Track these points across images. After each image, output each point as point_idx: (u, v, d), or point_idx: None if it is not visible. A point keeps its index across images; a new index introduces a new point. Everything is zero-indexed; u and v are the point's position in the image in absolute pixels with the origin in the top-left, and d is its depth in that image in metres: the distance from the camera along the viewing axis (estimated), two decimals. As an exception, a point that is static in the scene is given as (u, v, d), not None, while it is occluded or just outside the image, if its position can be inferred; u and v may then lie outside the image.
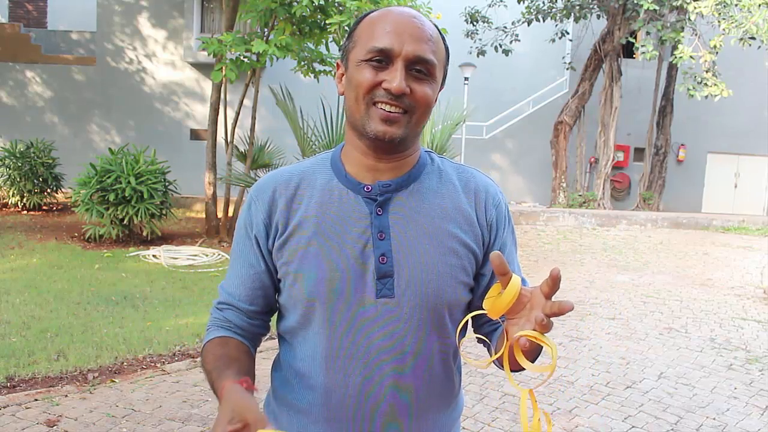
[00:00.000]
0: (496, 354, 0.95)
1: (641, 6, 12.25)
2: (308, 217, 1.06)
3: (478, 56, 14.52)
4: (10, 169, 10.94)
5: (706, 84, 12.75)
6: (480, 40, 14.55)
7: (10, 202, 11.19)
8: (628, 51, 15.54)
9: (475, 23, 14.57)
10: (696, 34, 13.21)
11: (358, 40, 1.04)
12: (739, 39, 11.78)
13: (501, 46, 14.54)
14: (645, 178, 15.82)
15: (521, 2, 14.19)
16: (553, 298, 0.89)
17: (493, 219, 1.10)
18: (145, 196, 8.37)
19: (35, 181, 11.15)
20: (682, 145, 16.26)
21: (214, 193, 9.63)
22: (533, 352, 0.93)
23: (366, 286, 1.04)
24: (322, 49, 9.04)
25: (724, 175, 16.71)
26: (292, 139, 6.99)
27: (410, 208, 1.07)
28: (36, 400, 3.48)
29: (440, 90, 1.09)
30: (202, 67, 14.00)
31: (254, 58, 8.04)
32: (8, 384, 3.70)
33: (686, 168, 16.50)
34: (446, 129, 7.37)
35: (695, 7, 11.77)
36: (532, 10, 14.17)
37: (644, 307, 6.46)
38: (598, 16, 14.51)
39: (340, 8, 7.83)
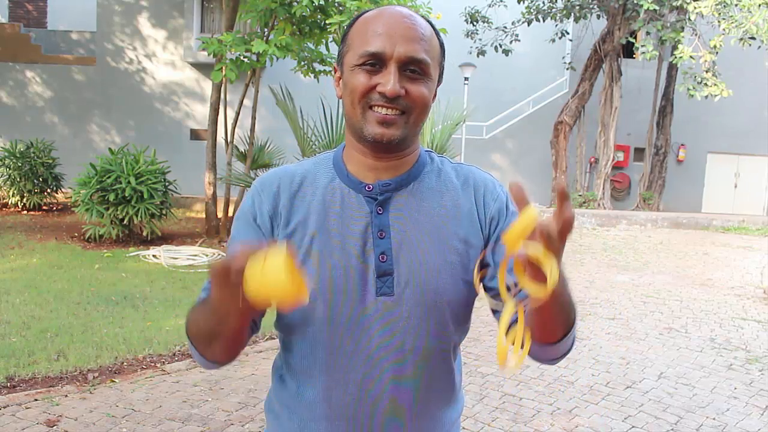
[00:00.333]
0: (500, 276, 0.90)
1: (641, 6, 12.25)
2: (311, 215, 1.07)
3: (478, 56, 14.53)
4: (10, 169, 10.94)
5: (706, 84, 12.76)
6: (480, 40, 14.55)
7: (10, 202, 11.20)
8: (628, 51, 15.54)
9: (475, 23, 14.57)
10: (696, 34, 13.21)
11: (351, 44, 1.05)
12: (739, 39, 11.78)
13: (501, 46, 14.55)
14: (645, 178, 15.82)
15: (521, 2, 14.19)
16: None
17: (494, 213, 1.10)
18: (145, 196, 8.37)
19: (35, 181, 11.15)
20: (682, 145, 16.26)
21: (214, 193, 9.63)
22: (532, 270, 0.84)
23: (366, 284, 1.04)
24: (322, 49, 9.04)
25: (724, 175, 16.71)
26: (292, 139, 6.99)
27: (410, 207, 1.07)
28: (36, 400, 3.48)
29: (438, 86, 1.09)
30: (202, 67, 14.00)
31: (254, 58, 8.04)
32: (8, 384, 3.70)
33: (686, 168, 16.50)
34: (446, 129, 7.37)
35: (695, 7, 11.77)
36: (532, 10, 14.18)
37: (644, 307, 6.46)
38: (598, 16, 14.51)
39: (340, 8, 7.83)
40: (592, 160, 15.77)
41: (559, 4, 14.13)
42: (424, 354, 1.07)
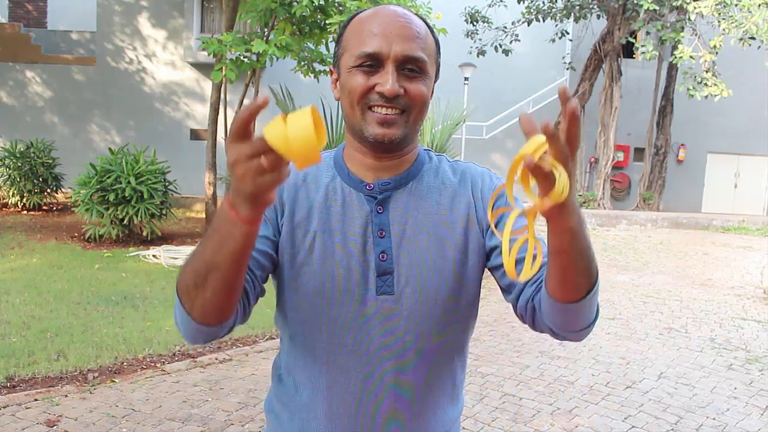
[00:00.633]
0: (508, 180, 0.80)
1: (641, 6, 12.25)
2: (313, 213, 1.07)
3: (478, 56, 14.53)
4: (10, 169, 10.94)
5: (706, 84, 12.76)
6: (480, 40, 14.55)
7: (10, 202, 11.19)
8: (628, 51, 15.54)
9: (475, 23, 14.57)
10: (696, 34, 13.21)
11: (347, 46, 1.04)
12: (739, 39, 11.79)
13: (501, 46, 14.55)
14: (645, 178, 15.83)
15: (521, 2, 14.20)
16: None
17: (492, 202, 1.10)
18: (145, 196, 8.37)
19: (35, 181, 11.15)
20: (682, 145, 16.27)
21: (214, 193, 9.64)
22: (542, 184, 0.78)
23: (367, 283, 1.05)
24: (322, 49, 9.04)
25: (724, 175, 16.72)
26: (292, 139, 6.97)
27: (410, 205, 1.08)
28: (36, 400, 3.48)
29: (435, 82, 1.09)
30: (202, 67, 14.00)
31: (254, 58, 8.04)
32: (8, 384, 3.70)
33: (686, 168, 16.50)
34: (446, 129, 7.38)
35: (695, 7, 11.77)
36: (532, 10, 14.18)
37: (644, 307, 6.46)
38: (598, 16, 14.51)
39: (340, 8, 7.83)
40: (592, 160, 15.77)
41: (559, 4, 14.13)
42: (424, 352, 1.07)
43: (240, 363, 4.29)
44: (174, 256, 7.88)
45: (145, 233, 8.85)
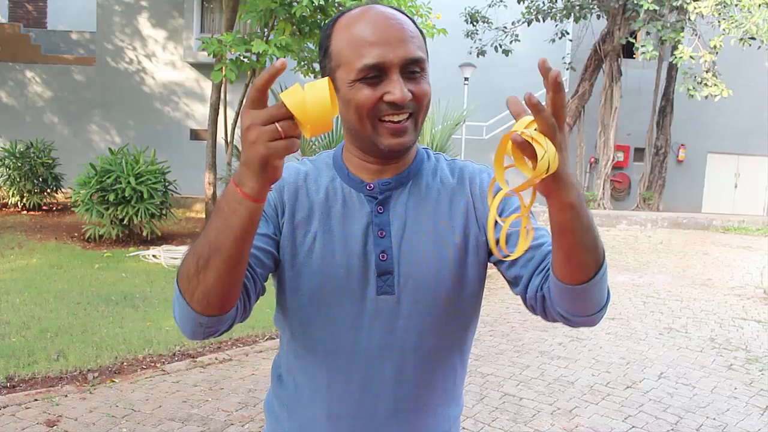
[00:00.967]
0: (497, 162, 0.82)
1: (641, 6, 12.25)
2: (314, 213, 1.07)
3: (478, 56, 14.53)
4: (10, 169, 10.94)
5: (706, 84, 12.77)
6: (480, 40, 14.55)
7: (10, 202, 11.19)
8: (628, 51, 15.54)
9: (475, 23, 14.57)
10: (696, 34, 13.21)
11: (342, 58, 1.00)
12: (739, 39, 11.79)
13: (501, 46, 14.55)
14: (645, 178, 15.83)
15: (521, 2, 14.20)
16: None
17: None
18: (145, 196, 8.37)
19: (35, 181, 11.14)
20: (682, 145, 16.27)
21: (214, 193, 9.63)
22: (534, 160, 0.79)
23: (367, 283, 1.04)
24: (322, 49, 9.02)
25: (724, 175, 16.72)
26: (292, 139, 6.97)
27: (409, 205, 1.08)
28: (36, 400, 3.48)
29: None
30: (202, 67, 13.99)
31: (254, 58, 8.04)
32: (8, 384, 3.70)
33: (686, 168, 16.51)
34: (446, 129, 7.38)
35: (695, 7, 11.78)
36: (532, 10, 14.18)
37: (644, 307, 6.46)
38: (598, 16, 14.52)
39: (340, 8, 7.83)
40: (592, 160, 15.77)
41: (559, 4, 14.13)
42: (425, 352, 1.07)
43: (240, 363, 4.29)
44: (174, 256, 7.87)
45: (145, 233, 8.85)
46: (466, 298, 1.09)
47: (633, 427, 3.52)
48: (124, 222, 8.53)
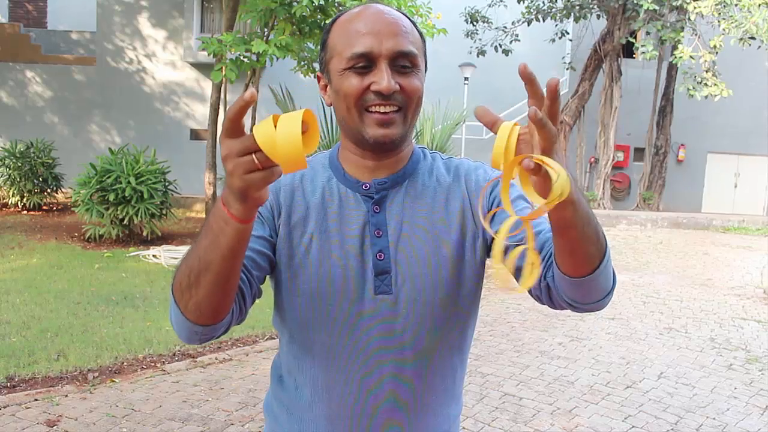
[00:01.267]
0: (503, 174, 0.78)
1: (641, 6, 12.26)
2: (310, 214, 1.07)
3: (478, 56, 14.53)
4: (10, 169, 10.95)
5: (706, 84, 12.77)
6: (480, 40, 14.56)
7: (10, 202, 11.20)
8: (628, 51, 15.54)
9: (475, 23, 14.57)
10: (696, 34, 13.22)
11: (335, 49, 1.03)
12: (739, 39, 11.79)
13: (501, 46, 14.55)
14: (645, 178, 15.83)
15: (521, 2, 14.20)
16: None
17: (486, 192, 1.10)
18: (145, 196, 8.37)
19: (35, 181, 11.15)
20: (682, 145, 16.27)
21: (214, 193, 9.64)
22: (542, 182, 0.78)
23: (365, 282, 1.04)
24: (322, 49, 9.03)
25: (724, 175, 16.72)
26: (292, 139, 6.97)
27: (406, 204, 1.08)
28: (36, 400, 3.48)
29: (425, 75, 1.09)
30: (202, 67, 14.00)
31: (254, 58, 8.04)
32: (8, 384, 3.70)
33: (686, 168, 16.51)
34: (446, 129, 7.38)
35: (695, 7, 11.78)
36: (532, 10, 14.19)
37: (644, 307, 6.46)
38: (598, 16, 14.52)
39: (340, 8, 7.83)
40: (592, 160, 15.77)
41: (559, 4, 14.13)
42: (423, 351, 1.07)
43: (240, 363, 4.29)
44: (174, 256, 7.88)
45: (145, 233, 8.85)
46: (464, 297, 1.09)
47: (633, 427, 3.52)
48: (124, 222, 8.53)
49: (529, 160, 0.73)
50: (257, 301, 1.05)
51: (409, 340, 1.05)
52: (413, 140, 1.16)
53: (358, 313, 1.05)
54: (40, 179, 11.18)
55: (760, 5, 11.21)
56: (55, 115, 14.55)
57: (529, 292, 1.03)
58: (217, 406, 3.55)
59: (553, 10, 14.07)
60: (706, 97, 12.90)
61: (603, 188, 15.26)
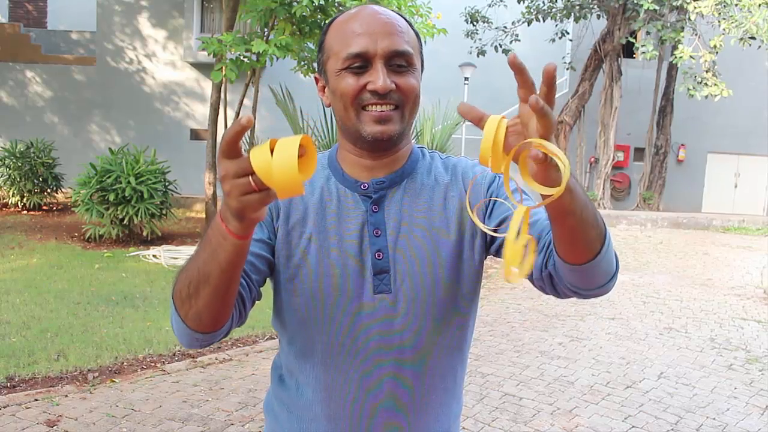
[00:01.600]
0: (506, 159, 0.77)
1: (641, 6, 12.25)
2: (308, 215, 1.07)
3: (478, 56, 14.52)
4: (10, 169, 10.95)
5: (706, 84, 12.77)
6: (480, 40, 14.55)
7: (10, 202, 11.20)
8: (628, 51, 15.54)
9: (475, 23, 14.57)
10: (696, 34, 13.21)
11: (331, 50, 1.04)
12: (739, 39, 11.79)
13: (501, 46, 14.54)
14: (645, 178, 15.82)
15: (521, 2, 14.19)
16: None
17: (484, 190, 1.10)
18: (145, 196, 8.37)
19: (35, 181, 11.15)
20: (682, 145, 16.26)
21: (214, 193, 9.63)
22: (543, 171, 0.78)
23: (364, 282, 1.05)
24: (322, 49, 9.02)
25: (724, 175, 16.71)
26: (292, 139, 6.97)
27: (404, 203, 1.08)
28: (36, 400, 3.48)
29: (421, 75, 1.09)
30: (202, 67, 14.00)
31: (254, 58, 8.04)
32: (8, 384, 3.70)
33: (686, 168, 16.50)
34: (446, 129, 7.38)
35: (695, 7, 11.78)
36: (532, 10, 14.18)
37: (644, 307, 6.46)
38: (598, 16, 14.51)
39: (340, 8, 7.83)
40: (592, 160, 15.77)
41: (559, 4, 14.12)
42: (422, 350, 1.07)
43: (240, 363, 4.29)
44: (174, 256, 7.88)
45: (145, 233, 8.85)
46: (463, 296, 1.09)
47: (633, 427, 3.52)
48: (124, 222, 8.53)
49: (537, 149, 0.73)
50: (254, 305, 1.06)
51: (409, 338, 1.06)
52: (412, 140, 1.16)
53: (357, 312, 1.05)
54: (40, 179, 11.18)
55: (760, 5, 11.21)
56: (55, 115, 14.55)
57: (533, 282, 1.03)
58: (217, 406, 3.55)
59: (553, 10, 14.06)
60: (706, 97, 12.90)
61: (603, 188, 15.26)
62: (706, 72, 12.85)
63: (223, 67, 7.90)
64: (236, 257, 0.84)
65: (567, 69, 15.27)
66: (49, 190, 11.38)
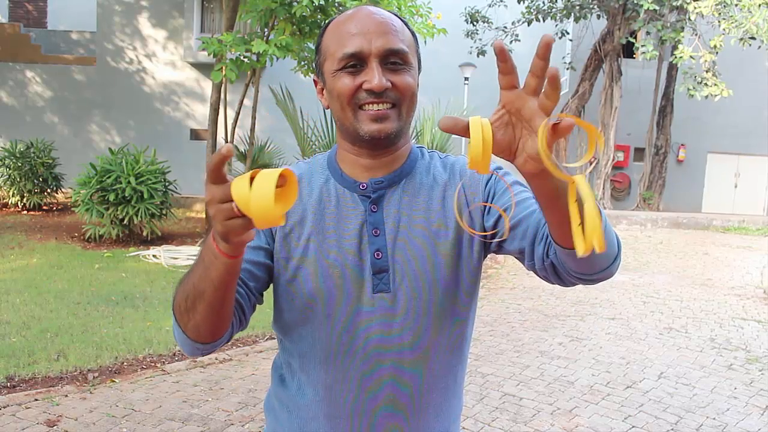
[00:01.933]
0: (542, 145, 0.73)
1: (641, 6, 12.26)
2: (307, 215, 1.08)
3: (478, 56, 14.53)
4: (10, 169, 10.95)
5: (706, 84, 12.77)
6: (480, 40, 14.55)
7: (10, 202, 11.20)
8: (628, 51, 15.54)
9: (475, 23, 14.57)
10: (696, 34, 13.22)
11: (327, 51, 1.05)
12: (739, 39, 11.79)
13: (501, 46, 14.54)
14: (645, 178, 15.83)
15: (521, 2, 14.20)
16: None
17: (482, 188, 1.10)
18: (145, 196, 8.37)
19: (35, 181, 11.16)
20: (682, 145, 16.27)
21: (214, 193, 9.62)
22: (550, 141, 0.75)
23: (363, 281, 1.05)
24: (322, 49, 9.02)
25: (724, 175, 16.71)
26: (292, 139, 6.99)
27: (403, 203, 1.08)
28: (36, 400, 3.48)
29: (418, 74, 1.09)
30: (202, 67, 14.00)
31: (254, 58, 8.04)
32: (8, 384, 3.70)
33: (686, 168, 16.50)
34: (446, 129, 7.36)
35: (695, 7, 11.78)
36: (532, 10, 14.18)
37: (644, 307, 6.46)
38: (598, 16, 14.51)
39: (340, 8, 7.83)
40: (593, 160, 15.76)
41: (559, 4, 14.13)
42: (423, 350, 1.07)
43: (240, 363, 4.29)
44: (174, 256, 7.88)
45: (145, 233, 8.85)
46: (463, 293, 1.09)
47: (633, 427, 3.52)
48: (124, 222, 8.53)
49: (570, 119, 0.72)
50: (254, 311, 1.07)
51: (408, 338, 1.06)
52: (412, 140, 1.16)
53: (356, 311, 1.05)
54: (40, 179, 11.19)
55: (760, 5, 11.21)
56: (55, 115, 14.56)
57: (536, 273, 1.02)
58: (217, 406, 3.55)
59: (553, 10, 14.07)
60: (706, 97, 12.90)
61: (603, 188, 15.26)
62: (706, 72, 12.86)
63: (223, 67, 7.90)
64: (228, 276, 0.87)
65: (567, 69, 15.27)
66: (49, 190, 11.38)
